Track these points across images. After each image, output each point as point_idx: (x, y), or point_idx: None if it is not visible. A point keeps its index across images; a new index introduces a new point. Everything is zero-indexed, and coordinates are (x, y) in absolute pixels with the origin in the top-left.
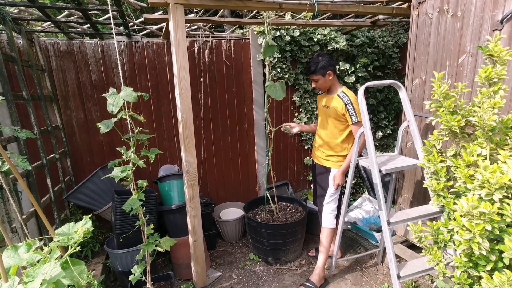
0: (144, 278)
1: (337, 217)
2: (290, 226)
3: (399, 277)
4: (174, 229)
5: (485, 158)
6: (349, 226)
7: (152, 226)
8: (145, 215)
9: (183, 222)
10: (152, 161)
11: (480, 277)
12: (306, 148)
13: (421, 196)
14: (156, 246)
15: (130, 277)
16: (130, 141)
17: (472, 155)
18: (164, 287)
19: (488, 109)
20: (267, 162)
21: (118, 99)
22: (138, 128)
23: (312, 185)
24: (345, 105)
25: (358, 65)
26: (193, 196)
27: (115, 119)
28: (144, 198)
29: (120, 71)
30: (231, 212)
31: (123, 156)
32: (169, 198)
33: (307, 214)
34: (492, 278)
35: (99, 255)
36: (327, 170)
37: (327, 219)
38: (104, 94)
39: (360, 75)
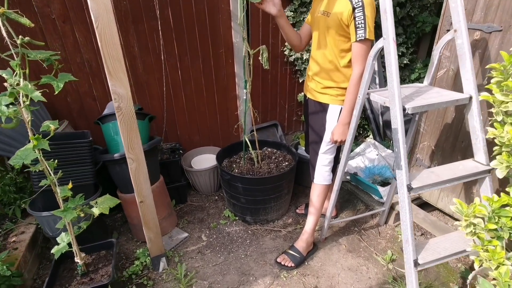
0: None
1: (334, 170)
2: (273, 180)
3: (417, 264)
4: (122, 183)
5: None
6: (348, 177)
7: (69, 185)
8: (72, 166)
9: None
10: (56, 92)
11: None
12: (300, 81)
13: (448, 145)
14: (88, 209)
15: (53, 250)
16: (15, 59)
17: None
18: (105, 258)
19: None
20: (245, 97)
21: None
22: (24, 38)
23: (305, 131)
24: (353, 9)
25: None
26: (132, 143)
27: None
28: (48, 146)
29: None
30: (206, 160)
31: (7, 84)
32: (114, 144)
33: (296, 164)
34: None
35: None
36: (324, 108)
37: (321, 173)
38: None
39: None
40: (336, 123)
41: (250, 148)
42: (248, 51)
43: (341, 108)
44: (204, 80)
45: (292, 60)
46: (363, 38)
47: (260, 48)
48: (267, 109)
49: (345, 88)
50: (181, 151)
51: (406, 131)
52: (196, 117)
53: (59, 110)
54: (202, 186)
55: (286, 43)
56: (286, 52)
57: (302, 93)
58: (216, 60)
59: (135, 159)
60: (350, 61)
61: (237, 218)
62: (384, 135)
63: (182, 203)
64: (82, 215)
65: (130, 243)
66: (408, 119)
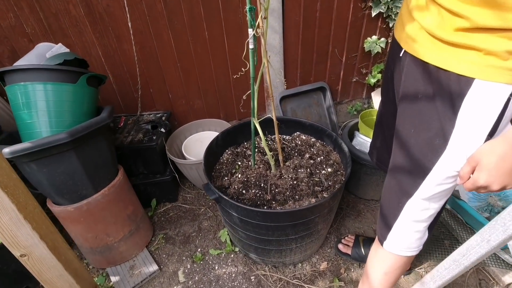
0: None
1: (432, 227)
2: (297, 216)
3: None
4: (45, 191)
5: None
6: None
7: None
8: None
9: (67, 175)
10: None
11: None
12: (373, 15)
13: None
14: None
15: None
16: None
17: None
18: None
19: None
20: (252, 46)
21: None
22: None
23: (377, 114)
24: None
25: None
26: None
27: None
28: None
29: None
30: (207, 139)
31: None
32: (23, 125)
33: (348, 177)
34: None
35: None
36: (451, 87)
37: (405, 237)
38: None
39: None
40: (491, 140)
41: (263, 143)
42: None
43: None
44: (204, 8)
45: None
46: None
47: None
48: (310, 62)
49: None
50: (162, 130)
51: None
52: (195, 70)
53: None
54: (197, 183)
55: None
56: None
57: (374, 37)
58: None
59: None
60: None
61: (236, 249)
62: None
63: (170, 202)
64: None
65: None
66: None
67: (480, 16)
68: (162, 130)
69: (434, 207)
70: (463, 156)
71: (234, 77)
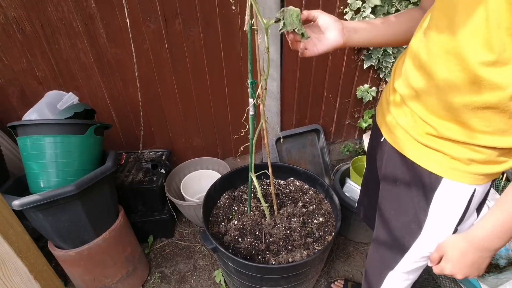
0: None
1: None
2: (290, 270)
3: None
4: (49, 235)
5: None
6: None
7: None
8: None
9: (71, 223)
10: None
11: None
12: (365, 67)
13: None
14: None
15: None
16: None
17: None
18: None
19: None
20: (252, 113)
21: None
22: None
23: (363, 175)
24: None
25: None
26: None
27: None
28: None
29: None
30: (206, 178)
31: None
32: (32, 174)
33: (338, 230)
34: None
35: None
36: (424, 180)
37: None
38: None
39: None
40: (456, 235)
41: (259, 195)
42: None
43: (475, 190)
44: (207, 56)
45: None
46: None
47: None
48: (306, 106)
49: (504, 150)
50: (162, 170)
51: None
52: (195, 110)
53: None
54: (194, 220)
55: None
56: (347, 17)
57: (366, 86)
58: (226, 25)
59: None
60: None
61: None
62: None
63: (166, 238)
64: None
65: None
66: None
67: (445, 129)
68: (162, 171)
69: (412, 278)
70: (436, 241)
71: (234, 137)
